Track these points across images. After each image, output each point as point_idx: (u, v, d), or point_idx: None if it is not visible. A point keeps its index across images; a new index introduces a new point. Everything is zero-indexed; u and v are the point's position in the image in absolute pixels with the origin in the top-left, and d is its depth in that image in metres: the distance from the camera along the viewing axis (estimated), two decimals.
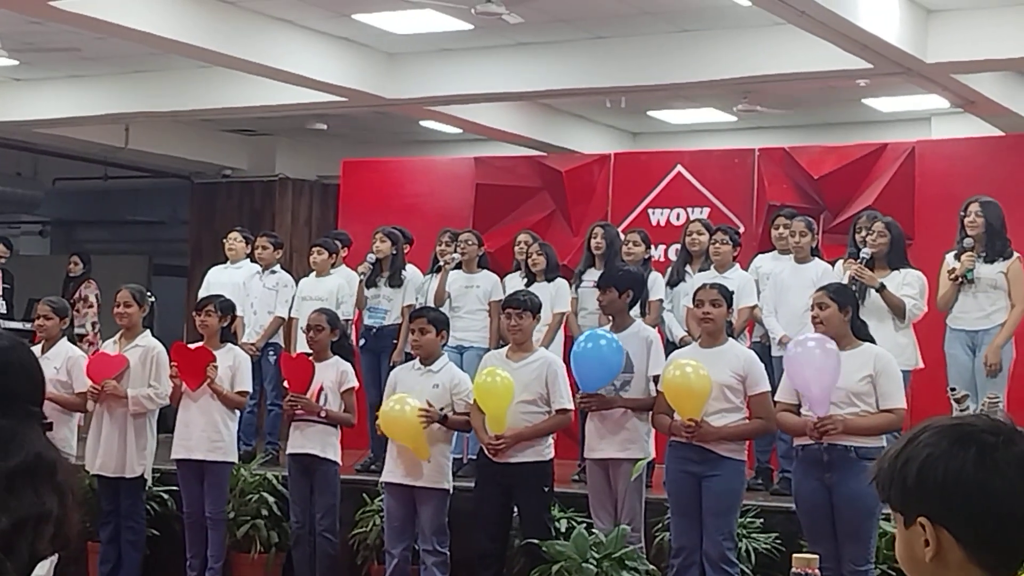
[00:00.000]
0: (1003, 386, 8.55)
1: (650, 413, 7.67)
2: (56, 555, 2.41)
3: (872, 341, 7.02)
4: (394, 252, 10.34)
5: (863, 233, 8.94)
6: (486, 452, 7.77)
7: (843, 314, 6.89)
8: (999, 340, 8.51)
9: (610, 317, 7.93)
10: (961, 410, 8.49)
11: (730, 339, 7.49)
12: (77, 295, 13.33)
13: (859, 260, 8.61)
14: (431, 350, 8.07)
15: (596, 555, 6.62)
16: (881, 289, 8.49)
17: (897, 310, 8.52)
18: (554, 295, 9.67)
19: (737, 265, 9.51)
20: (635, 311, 9.08)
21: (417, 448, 7.85)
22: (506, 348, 7.99)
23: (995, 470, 2.01)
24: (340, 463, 8.64)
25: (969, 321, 8.61)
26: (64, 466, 2.26)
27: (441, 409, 7.87)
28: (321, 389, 8.47)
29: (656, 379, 7.51)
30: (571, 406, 7.81)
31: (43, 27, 11.18)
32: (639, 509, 7.61)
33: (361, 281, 10.35)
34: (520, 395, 7.67)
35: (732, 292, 7.63)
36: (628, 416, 7.62)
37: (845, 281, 8.16)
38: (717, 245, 9.42)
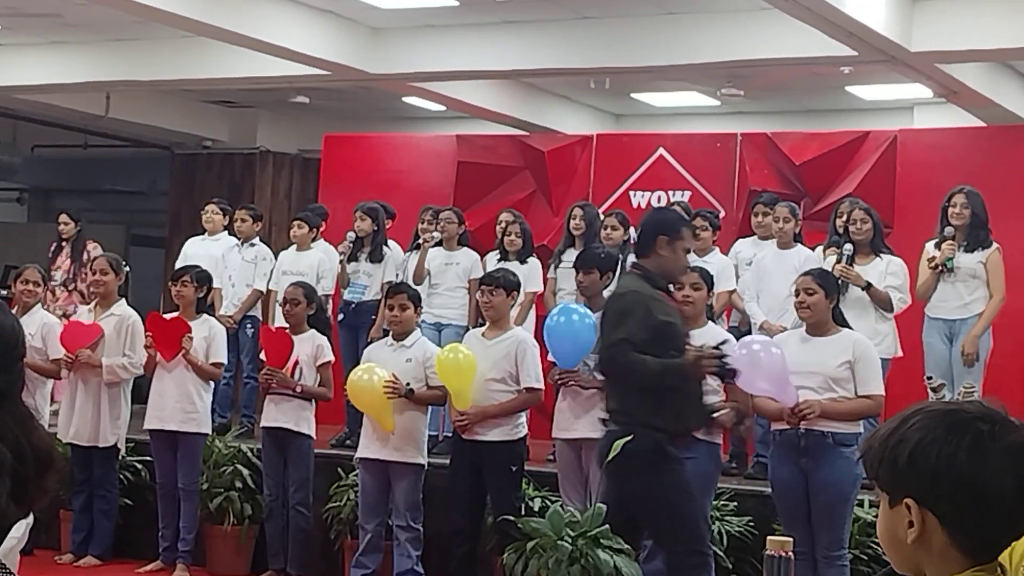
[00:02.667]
0: (979, 376, 8.59)
1: None
2: (32, 519, 2.39)
3: (848, 326, 7.03)
4: (375, 228, 10.30)
5: (844, 218, 8.95)
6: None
7: (828, 301, 6.90)
8: (976, 330, 8.54)
9: (585, 298, 7.92)
10: (937, 399, 8.52)
11: (710, 322, 7.49)
12: (84, 256, 11.50)
13: (843, 259, 8.58)
14: (409, 327, 8.07)
15: (571, 533, 6.62)
16: (868, 288, 8.50)
17: (883, 304, 8.54)
18: (527, 275, 9.65)
19: (717, 249, 9.51)
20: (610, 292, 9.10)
21: (381, 419, 7.85)
22: (484, 327, 7.99)
23: (987, 459, 2.02)
24: (314, 437, 8.63)
25: (947, 310, 8.64)
26: (26, 425, 2.23)
27: (407, 384, 7.85)
28: (297, 363, 8.45)
29: None
30: (540, 385, 7.82)
31: None
32: None
33: (342, 260, 10.32)
34: (489, 372, 7.69)
35: (712, 276, 7.63)
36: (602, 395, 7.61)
37: (828, 268, 8.16)
38: (697, 230, 9.40)
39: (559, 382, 7.76)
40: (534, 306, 9.90)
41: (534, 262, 9.90)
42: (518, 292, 8.10)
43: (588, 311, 7.63)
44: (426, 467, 8.07)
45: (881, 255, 8.67)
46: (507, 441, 7.76)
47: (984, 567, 2.05)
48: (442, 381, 7.79)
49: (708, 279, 7.39)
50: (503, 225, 10.17)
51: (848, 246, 8.65)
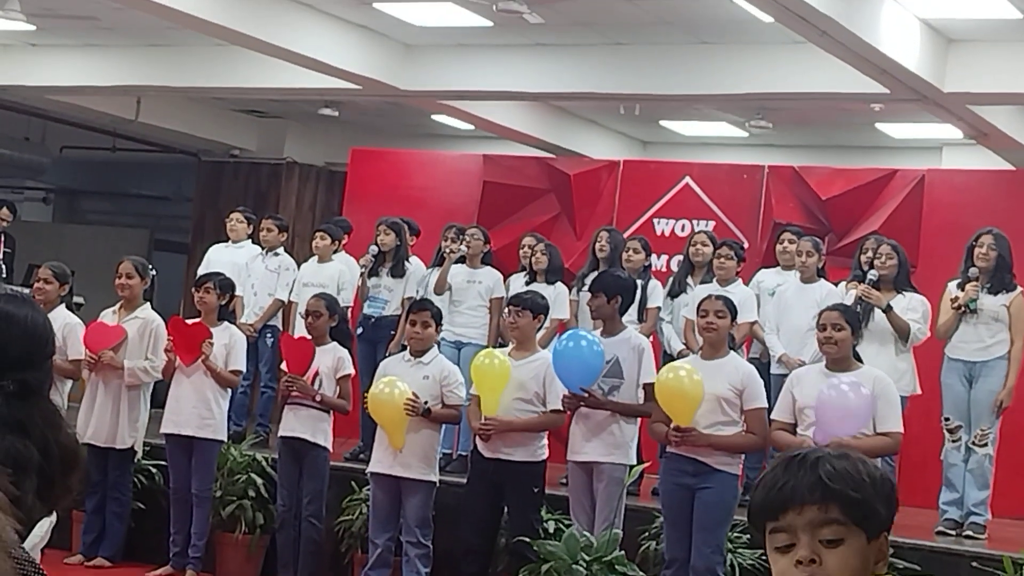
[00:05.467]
0: (996, 419, 8.54)
1: (638, 419, 7.69)
2: (55, 518, 2.40)
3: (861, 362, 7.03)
4: (398, 243, 10.31)
5: (868, 255, 8.93)
6: (478, 445, 7.77)
7: (853, 337, 6.90)
8: (1012, 381, 8.48)
9: (600, 322, 7.92)
10: (953, 440, 8.49)
11: (731, 352, 7.49)
12: None
13: (867, 282, 8.59)
14: (428, 344, 8.08)
15: (586, 557, 6.62)
16: (888, 310, 8.48)
17: (901, 332, 8.51)
18: (554, 300, 9.64)
19: (739, 280, 9.50)
20: (632, 317, 9.09)
21: (393, 435, 7.85)
22: (510, 347, 7.99)
23: None
24: (331, 449, 8.63)
25: (968, 351, 8.60)
26: (54, 424, 2.25)
27: (425, 402, 7.86)
28: (317, 374, 8.46)
29: (647, 388, 7.50)
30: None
31: None
32: (615, 514, 7.56)
33: (363, 273, 10.33)
34: (516, 392, 7.68)
35: (735, 305, 7.62)
36: (615, 420, 7.62)
37: (849, 303, 8.15)
38: (722, 260, 9.40)
39: (567, 404, 7.70)
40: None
41: (562, 287, 9.88)
42: (545, 316, 8.10)
43: (597, 337, 7.61)
44: (438, 484, 8.07)
45: (904, 293, 8.65)
46: (530, 462, 7.75)
47: None
48: (475, 385, 7.79)
49: (732, 308, 7.39)
50: (527, 249, 10.18)
51: (874, 272, 8.63)
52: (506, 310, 8.05)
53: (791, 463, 2.15)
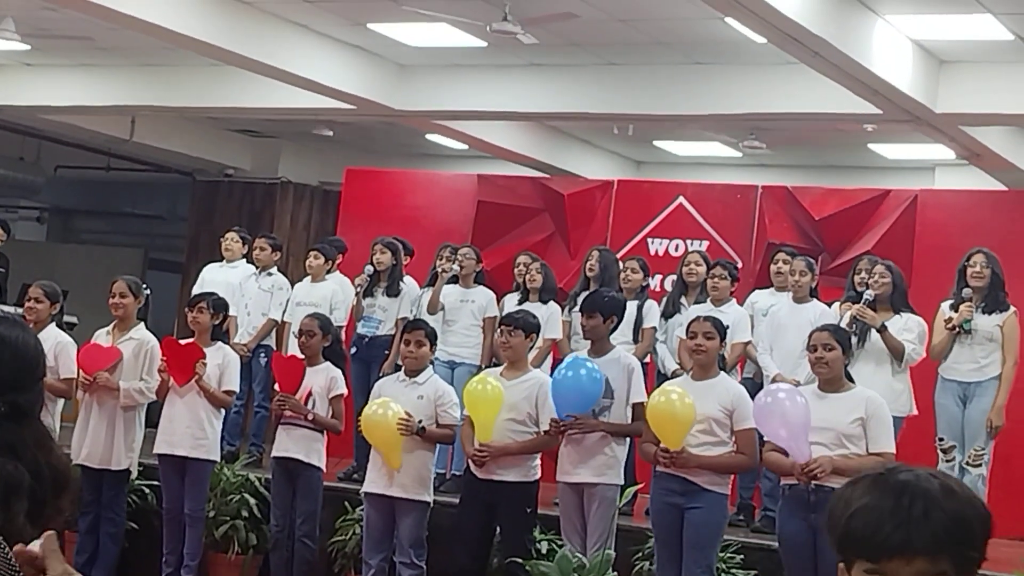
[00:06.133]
0: (990, 440, 8.54)
1: (628, 439, 7.68)
2: None
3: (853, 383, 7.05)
4: (393, 263, 10.32)
5: (863, 275, 8.95)
6: (471, 466, 7.77)
7: (844, 357, 6.91)
8: (1001, 400, 8.49)
9: (590, 342, 7.91)
10: (947, 460, 8.49)
11: (722, 373, 7.49)
12: None
13: (862, 301, 8.60)
14: (423, 364, 8.07)
15: None
16: (883, 330, 8.48)
17: (896, 352, 8.51)
18: (546, 320, 9.64)
19: (733, 300, 9.51)
20: (627, 336, 9.09)
21: (389, 456, 7.85)
22: (502, 366, 7.99)
23: None
24: (324, 469, 8.62)
25: (962, 372, 8.61)
26: (45, 445, 2.25)
27: (420, 421, 7.85)
28: (310, 394, 8.45)
29: (636, 407, 7.50)
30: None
31: (57, 14, 11.19)
32: (607, 535, 7.55)
33: (358, 293, 10.33)
34: (508, 413, 7.67)
35: (726, 326, 7.62)
36: (606, 441, 7.60)
37: (844, 324, 8.15)
38: (716, 280, 9.41)
39: (563, 427, 7.66)
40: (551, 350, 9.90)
41: (555, 307, 9.89)
42: (537, 335, 8.09)
43: (596, 367, 7.60)
44: (432, 505, 8.06)
45: (901, 313, 8.66)
46: (523, 482, 7.73)
47: None
48: (468, 411, 7.78)
49: (721, 329, 7.39)
50: (521, 268, 10.19)
51: (870, 292, 8.64)
52: (498, 330, 8.05)
53: (899, 501, 2.02)
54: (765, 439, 7.15)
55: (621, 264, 9.99)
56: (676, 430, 7.10)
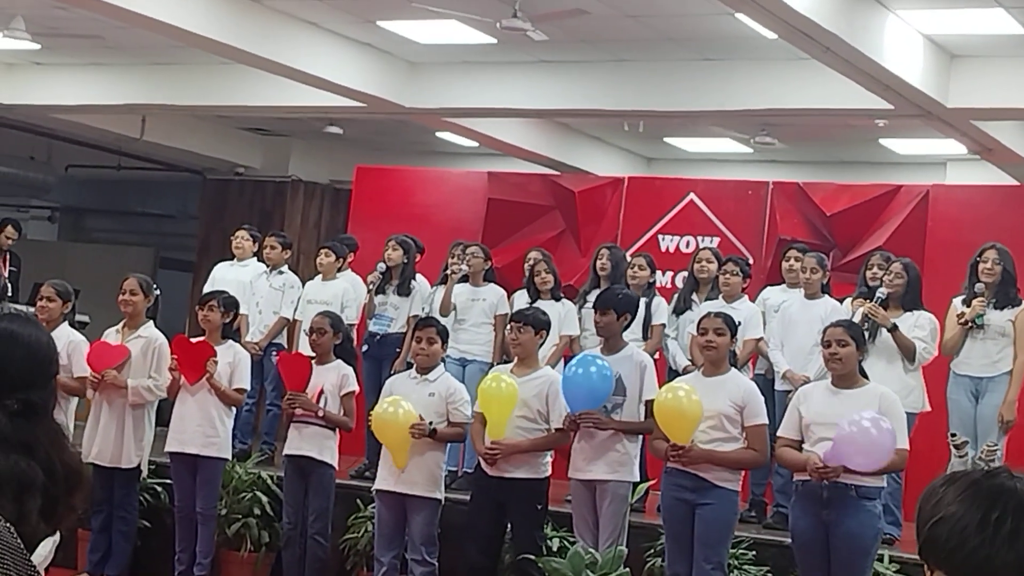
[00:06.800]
0: (1003, 435, 8.52)
1: (640, 436, 7.67)
2: (58, 537, 2.40)
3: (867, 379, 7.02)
4: (405, 261, 10.32)
5: (874, 271, 8.93)
6: (482, 463, 7.76)
7: (858, 353, 6.89)
8: (1013, 395, 8.47)
9: (602, 339, 7.91)
10: (960, 456, 8.47)
11: (732, 369, 7.47)
12: None
13: (875, 300, 8.58)
14: (435, 361, 8.07)
15: (591, 574, 6.61)
16: (893, 329, 8.46)
17: (907, 352, 8.49)
18: (562, 317, 9.63)
19: (745, 296, 9.49)
20: (636, 334, 9.07)
21: (397, 455, 7.85)
22: (513, 363, 7.98)
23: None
24: (336, 467, 8.63)
25: (975, 367, 8.59)
26: (58, 443, 2.25)
27: (431, 423, 7.85)
28: (321, 392, 8.46)
29: (648, 404, 7.49)
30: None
31: (67, 12, 11.19)
32: (619, 531, 7.55)
33: (370, 291, 10.33)
34: (519, 410, 7.67)
35: (737, 323, 7.61)
36: (618, 438, 7.60)
37: (856, 320, 8.13)
38: (727, 276, 9.39)
39: (576, 422, 7.66)
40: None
41: (570, 304, 9.87)
42: (547, 332, 8.08)
43: (607, 363, 7.60)
44: (443, 502, 8.06)
45: (912, 311, 8.63)
46: (533, 479, 7.73)
47: None
48: (482, 408, 7.77)
49: (732, 325, 7.38)
50: (531, 263, 10.18)
51: (883, 290, 8.62)
52: (508, 327, 8.04)
53: (987, 515, 1.92)
54: (777, 435, 7.15)
55: (629, 260, 9.98)
56: (683, 426, 7.10)
